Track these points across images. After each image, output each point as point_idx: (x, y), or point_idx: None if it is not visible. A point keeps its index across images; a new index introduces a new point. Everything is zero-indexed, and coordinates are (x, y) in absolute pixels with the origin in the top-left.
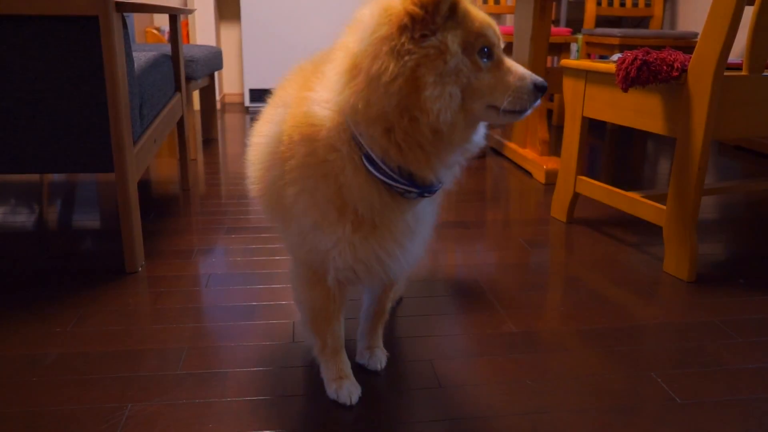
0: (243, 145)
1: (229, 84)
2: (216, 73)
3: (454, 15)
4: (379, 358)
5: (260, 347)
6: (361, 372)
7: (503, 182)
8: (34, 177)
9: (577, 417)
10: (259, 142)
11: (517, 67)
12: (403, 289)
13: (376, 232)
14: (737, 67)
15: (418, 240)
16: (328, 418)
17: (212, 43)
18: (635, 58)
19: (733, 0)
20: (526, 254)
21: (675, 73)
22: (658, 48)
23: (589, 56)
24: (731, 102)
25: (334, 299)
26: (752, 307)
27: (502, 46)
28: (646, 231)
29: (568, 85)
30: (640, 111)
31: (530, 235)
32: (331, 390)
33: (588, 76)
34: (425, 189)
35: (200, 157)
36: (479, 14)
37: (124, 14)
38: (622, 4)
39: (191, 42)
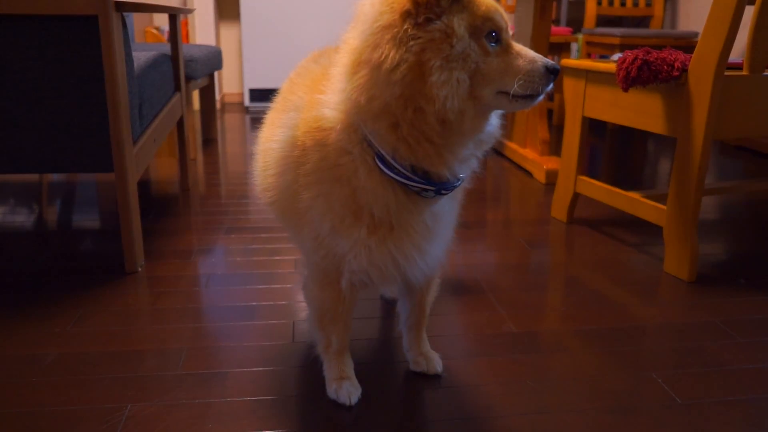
0: (243, 144)
1: (228, 84)
2: (216, 73)
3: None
4: (437, 361)
5: (260, 347)
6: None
7: (503, 182)
8: (34, 177)
9: (577, 417)
10: (271, 148)
11: (527, 51)
12: (437, 291)
13: (393, 234)
14: (738, 67)
15: (438, 241)
16: (328, 418)
17: (212, 42)
18: (636, 58)
19: (733, 0)
20: (526, 254)
21: (675, 73)
22: (659, 48)
23: (589, 56)
24: (732, 102)
25: (344, 301)
26: (752, 307)
27: (511, 31)
28: (646, 231)
29: (569, 84)
30: (640, 111)
31: (530, 235)
32: (331, 390)
33: (588, 75)
34: (442, 186)
35: (200, 157)
36: None
37: (124, 14)
38: (623, 4)
39: (191, 42)
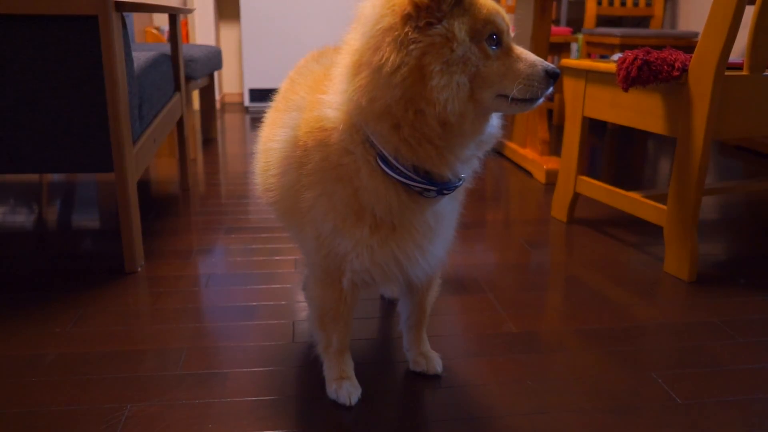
0: (243, 144)
1: (228, 84)
2: (216, 73)
3: (461, 2)
4: (436, 362)
5: (260, 347)
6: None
7: (503, 182)
8: (34, 177)
9: (577, 417)
10: (273, 148)
11: (527, 54)
12: (438, 291)
13: (395, 234)
14: (738, 67)
15: (439, 241)
16: (328, 418)
17: (212, 42)
18: (636, 58)
19: (733, 0)
20: (526, 254)
21: (676, 73)
22: (659, 48)
23: (589, 56)
24: (732, 102)
25: (345, 300)
26: (752, 307)
27: (512, 34)
28: (646, 231)
29: (569, 84)
30: (640, 111)
31: (530, 235)
32: (331, 389)
33: (588, 75)
34: (444, 186)
35: (200, 157)
36: (487, 1)
37: (124, 14)
38: (623, 4)
39: (191, 42)
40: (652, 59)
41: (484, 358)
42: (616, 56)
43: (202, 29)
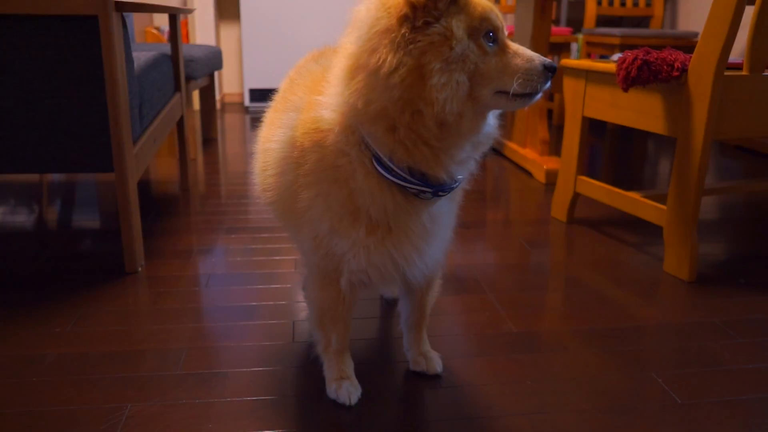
0: (243, 144)
1: (228, 84)
2: (216, 73)
3: (456, 1)
4: (436, 361)
5: (260, 347)
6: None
7: (503, 182)
8: (34, 177)
9: (577, 417)
10: (271, 148)
11: (523, 50)
12: (438, 291)
13: (391, 235)
14: (738, 67)
15: (436, 242)
16: (328, 418)
17: (212, 42)
18: (636, 58)
19: (733, 0)
20: (526, 254)
21: (675, 73)
22: (659, 48)
23: (589, 56)
24: (732, 102)
25: (344, 300)
26: (752, 307)
27: (506, 31)
28: (646, 231)
29: (569, 84)
30: (640, 111)
31: (530, 235)
32: (330, 389)
33: (588, 75)
34: (439, 188)
35: (200, 157)
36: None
37: (124, 14)
38: (623, 4)
39: (191, 42)
40: (652, 59)
41: (484, 358)
42: (616, 56)
43: (202, 29)
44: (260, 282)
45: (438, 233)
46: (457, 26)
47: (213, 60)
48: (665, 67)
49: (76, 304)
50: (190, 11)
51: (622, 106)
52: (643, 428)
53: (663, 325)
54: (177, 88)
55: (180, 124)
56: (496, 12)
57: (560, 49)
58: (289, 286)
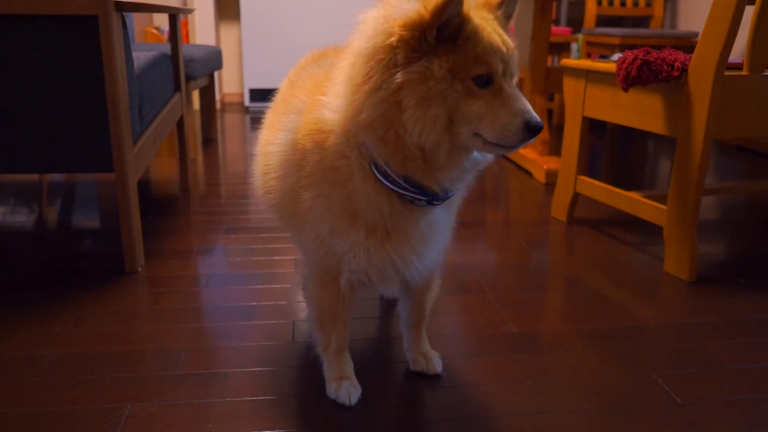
0: (243, 144)
1: (228, 84)
2: (216, 73)
3: (456, 36)
4: (436, 361)
5: (260, 347)
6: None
7: (503, 182)
8: (34, 177)
9: (577, 417)
10: (272, 151)
11: (514, 101)
12: (437, 291)
13: (390, 238)
14: (738, 67)
15: (434, 246)
16: (328, 418)
17: (212, 42)
18: (636, 58)
19: (733, 0)
20: (526, 254)
21: (676, 73)
22: (659, 48)
23: (589, 56)
24: (732, 102)
25: (344, 300)
26: (752, 307)
27: (515, 72)
28: (646, 231)
29: (569, 84)
30: (640, 111)
31: (530, 235)
32: (330, 389)
33: (588, 75)
34: (434, 197)
35: (200, 157)
36: (489, 37)
37: (124, 14)
38: (623, 4)
39: (191, 42)
40: (652, 59)
41: (484, 358)
42: (616, 56)
43: (202, 29)
44: (260, 282)
45: (435, 238)
46: (440, 67)
47: (213, 60)
48: (665, 67)
49: (76, 304)
50: (190, 11)
51: (622, 106)
52: (643, 428)
53: (663, 325)
54: (177, 88)
55: (180, 124)
56: (501, 53)
57: (560, 49)
58: (289, 286)
